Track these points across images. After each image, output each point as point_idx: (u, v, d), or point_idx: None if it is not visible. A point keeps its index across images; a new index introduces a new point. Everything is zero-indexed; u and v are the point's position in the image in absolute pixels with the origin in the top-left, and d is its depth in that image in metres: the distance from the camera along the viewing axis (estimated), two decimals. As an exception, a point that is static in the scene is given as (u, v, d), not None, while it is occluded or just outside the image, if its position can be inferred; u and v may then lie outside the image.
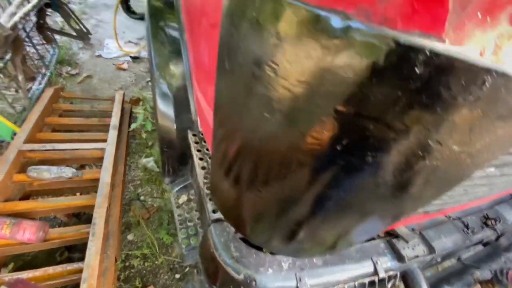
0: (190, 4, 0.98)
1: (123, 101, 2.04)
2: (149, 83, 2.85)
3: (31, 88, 2.23)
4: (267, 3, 0.28)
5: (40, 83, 2.31)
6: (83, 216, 1.54)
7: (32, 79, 2.25)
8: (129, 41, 3.52)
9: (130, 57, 3.14)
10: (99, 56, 3.04)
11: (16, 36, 1.81)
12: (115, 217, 1.31)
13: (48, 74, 2.43)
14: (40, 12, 2.33)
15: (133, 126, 1.70)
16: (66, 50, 2.95)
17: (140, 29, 4.11)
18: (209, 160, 0.89)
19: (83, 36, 2.94)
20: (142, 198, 1.72)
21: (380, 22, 0.23)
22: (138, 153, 2.01)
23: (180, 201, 1.11)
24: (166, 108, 1.02)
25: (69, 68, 2.68)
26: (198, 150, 0.92)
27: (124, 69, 2.93)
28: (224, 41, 0.37)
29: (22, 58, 1.95)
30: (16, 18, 1.84)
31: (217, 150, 0.50)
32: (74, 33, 2.89)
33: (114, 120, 1.68)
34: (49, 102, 1.73)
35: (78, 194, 1.59)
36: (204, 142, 0.96)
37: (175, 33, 1.03)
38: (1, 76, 1.99)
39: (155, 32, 1.00)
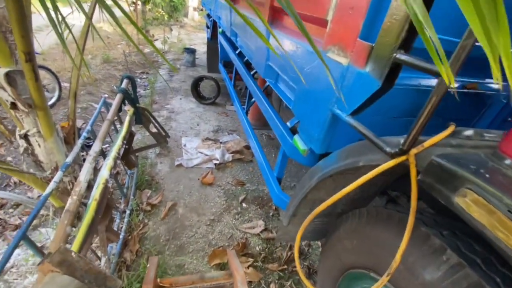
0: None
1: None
2: (243, 204, 2.16)
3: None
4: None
5: (119, 230, 1.71)
6: None
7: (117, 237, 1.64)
8: (207, 138, 3.02)
9: (214, 163, 2.56)
10: (180, 165, 2.50)
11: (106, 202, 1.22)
12: None
13: (128, 211, 1.85)
14: (130, 137, 1.85)
15: None
16: (143, 161, 2.46)
17: (213, 116, 3.69)
18: None
19: (162, 140, 2.46)
20: None
21: None
22: None
23: None
24: None
25: (149, 193, 2.10)
26: None
27: (210, 184, 2.32)
28: None
29: (108, 224, 1.34)
30: (105, 172, 1.27)
31: None
32: (154, 140, 2.43)
33: None
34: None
35: None
36: None
37: None
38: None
39: None
